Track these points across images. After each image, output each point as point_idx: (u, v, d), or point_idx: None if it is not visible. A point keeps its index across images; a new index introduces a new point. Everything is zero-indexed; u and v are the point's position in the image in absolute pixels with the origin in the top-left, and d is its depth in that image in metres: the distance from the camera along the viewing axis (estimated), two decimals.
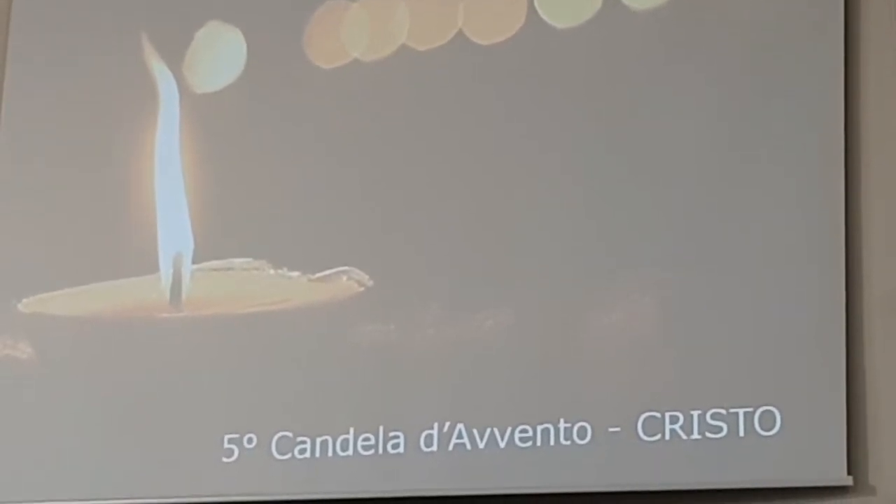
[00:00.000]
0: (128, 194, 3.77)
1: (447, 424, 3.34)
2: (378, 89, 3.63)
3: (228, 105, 3.75)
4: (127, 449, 3.55)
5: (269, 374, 3.52)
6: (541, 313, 3.36)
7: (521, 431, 3.28)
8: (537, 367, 3.33)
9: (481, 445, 3.31)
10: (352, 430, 3.41)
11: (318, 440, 3.42)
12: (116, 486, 3.54)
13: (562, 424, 3.26)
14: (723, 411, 3.16)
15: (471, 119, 3.54)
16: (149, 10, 3.88)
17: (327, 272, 3.56)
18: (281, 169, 3.66)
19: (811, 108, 3.26)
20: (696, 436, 3.17)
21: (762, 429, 3.12)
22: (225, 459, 3.48)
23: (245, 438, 3.48)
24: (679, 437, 3.17)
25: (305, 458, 3.42)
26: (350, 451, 3.39)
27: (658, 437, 3.19)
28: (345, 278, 3.54)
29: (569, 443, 3.24)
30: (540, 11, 3.54)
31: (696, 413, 3.18)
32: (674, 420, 3.19)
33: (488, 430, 3.31)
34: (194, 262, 3.67)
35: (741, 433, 3.13)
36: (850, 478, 3.06)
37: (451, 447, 3.32)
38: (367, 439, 3.39)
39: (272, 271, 3.61)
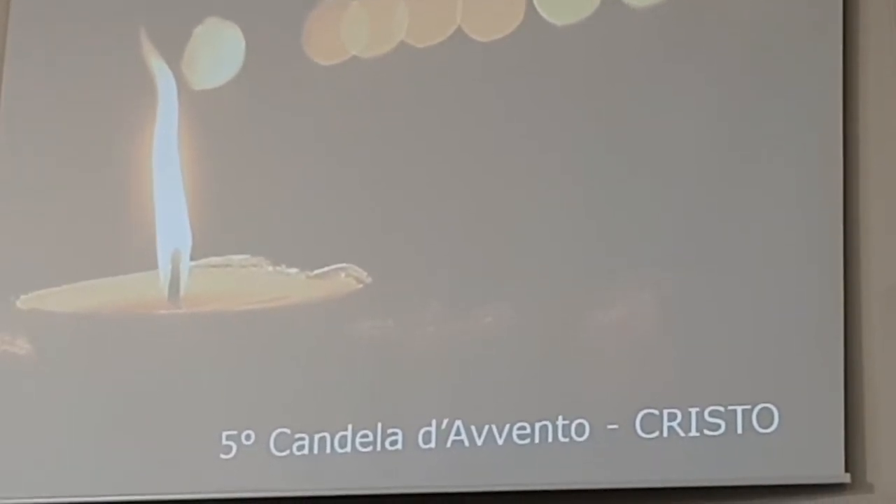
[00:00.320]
0: (126, 191, 3.78)
1: (445, 421, 3.34)
2: (377, 86, 3.63)
3: (227, 102, 3.76)
4: (125, 445, 3.56)
5: (268, 371, 3.52)
6: (540, 311, 3.36)
7: (520, 428, 3.28)
8: (536, 365, 3.33)
9: (479, 442, 3.31)
10: (350, 427, 3.41)
11: (317, 437, 3.42)
12: (115, 483, 3.54)
13: (560, 421, 3.26)
14: (721, 409, 3.16)
15: (470, 116, 3.54)
16: (147, 6, 3.88)
17: (326, 269, 3.56)
18: (279, 166, 3.67)
19: (810, 107, 3.26)
20: (694, 433, 3.16)
21: (760, 426, 3.12)
22: (223, 456, 3.48)
23: (243, 435, 3.48)
24: (677, 434, 3.17)
25: (304, 455, 3.42)
26: (348, 448, 3.40)
27: (656, 434, 3.19)
28: (343, 275, 3.54)
29: (567, 440, 3.24)
30: (539, 9, 3.54)
31: (694, 410, 3.17)
32: (672, 417, 3.19)
33: (486, 427, 3.31)
34: (193, 258, 3.68)
35: (739, 430, 3.13)
36: (848, 475, 3.05)
37: (449, 444, 3.32)
38: (365, 436, 3.39)
39: (270, 268, 3.61)
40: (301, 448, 3.43)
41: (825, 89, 3.25)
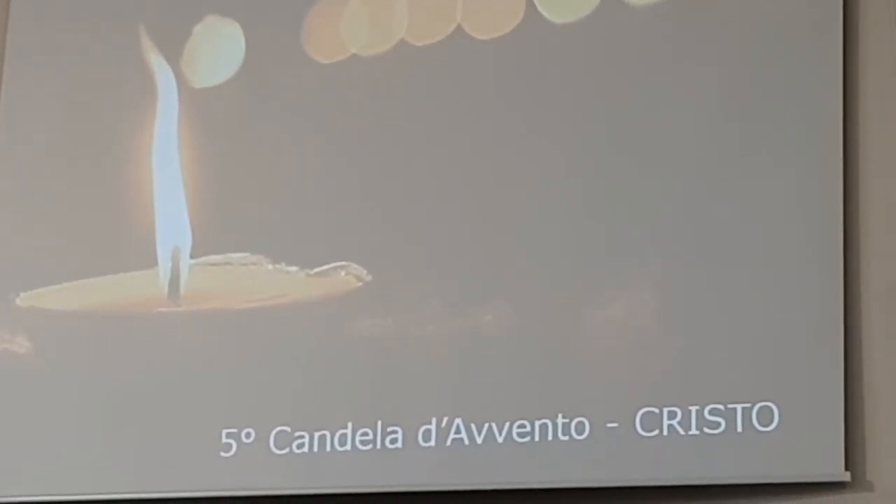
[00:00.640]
0: (126, 189, 3.78)
1: (445, 419, 3.34)
2: (377, 84, 3.63)
3: (227, 100, 3.76)
4: (125, 443, 3.56)
5: (268, 369, 3.52)
6: (539, 309, 3.35)
7: (520, 426, 3.28)
8: (536, 363, 3.32)
9: (479, 440, 3.30)
10: (350, 425, 3.41)
11: (317, 435, 3.42)
12: (114, 481, 3.54)
13: (560, 419, 3.26)
14: (721, 407, 3.15)
15: (469, 114, 3.54)
16: (147, 5, 3.89)
17: (325, 267, 3.56)
18: (279, 164, 3.67)
19: (810, 107, 3.25)
20: (693, 431, 3.16)
21: (760, 424, 3.11)
22: (223, 454, 3.48)
23: (243, 433, 3.48)
24: (677, 432, 3.17)
25: (303, 453, 3.42)
26: (348, 446, 3.39)
27: (656, 432, 3.18)
28: (343, 273, 3.54)
29: (567, 438, 3.24)
30: (539, 7, 3.54)
31: (693, 408, 3.17)
32: (672, 415, 3.18)
33: (486, 425, 3.30)
34: (192, 256, 3.68)
35: (739, 429, 3.12)
36: (848, 473, 3.04)
37: (449, 442, 3.32)
38: (365, 434, 3.39)
39: (270, 266, 3.61)
40: (301, 446, 3.43)
41: (825, 89, 3.25)
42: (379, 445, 3.37)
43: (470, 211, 3.47)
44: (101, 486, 3.54)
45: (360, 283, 3.52)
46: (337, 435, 3.41)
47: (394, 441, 3.37)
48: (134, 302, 3.69)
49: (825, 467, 3.06)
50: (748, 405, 3.13)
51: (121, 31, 3.87)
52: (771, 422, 3.10)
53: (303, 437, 3.43)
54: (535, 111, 3.48)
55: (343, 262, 3.54)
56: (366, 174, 3.59)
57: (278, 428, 3.45)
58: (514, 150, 3.48)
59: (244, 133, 3.71)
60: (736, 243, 3.24)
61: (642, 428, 3.19)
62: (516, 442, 3.27)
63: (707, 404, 3.16)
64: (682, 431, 3.17)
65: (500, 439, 3.29)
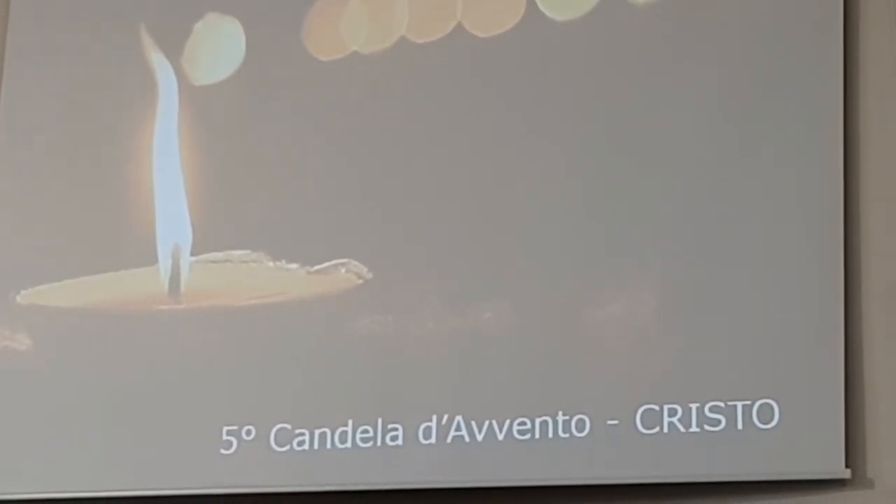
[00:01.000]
0: (126, 186, 3.77)
1: (445, 417, 3.34)
2: (377, 82, 3.63)
3: (227, 97, 3.76)
4: (125, 440, 3.55)
5: (268, 367, 3.52)
6: (540, 306, 3.36)
7: (520, 424, 3.28)
8: (536, 360, 3.33)
9: (480, 438, 3.31)
10: (350, 423, 3.41)
11: (317, 432, 3.42)
12: (115, 478, 3.53)
13: (560, 417, 3.26)
14: (721, 404, 3.16)
15: (470, 112, 3.54)
16: (147, 2, 3.88)
17: (326, 264, 3.56)
18: (280, 161, 3.67)
19: (811, 106, 3.27)
20: (694, 429, 3.17)
21: (760, 422, 3.12)
22: (223, 451, 3.48)
23: (244, 430, 3.48)
24: (677, 429, 3.18)
25: (304, 450, 3.42)
26: (349, 444, 3.40)
27: (656, 429, 3.19)
28: (343, 271, 3.54)
29: (567, 435, 3.25)
30: (539, 4, 3.54)
31: (694, 406, 3.18)
32: (672, 413, 3.19)
33: (487, 423, 3.31)
34: (193, 253, 3.68)
35: (739, 426, 3.13)
36: (848, 471, 3.06)
37: (449, 439, 3.33)
38: (365, 431, 3.39)
39: (271, 263, 3.61)
40: (301, 443, 3.43)
41: (825, 89, 3.26)
42: (379, 443, 3.37)
43: (470, 208, 3.48)
44: (101, 483, 3.54)
45: (361, 281, 3.52)
46: (337, 432, 3.41)
47: (394, 438, 3.37)
48: (134, 299, 3.68)
49: (826, 465, 3.07)
50: (749, 402, 3.14)
51: (121, 30, 3.86)
52: (771, 419, 3.11)
53: (303, 434, 3.43)
54: (535, 109, 3.49)
55: (343, 260, 3.54)
56: (366, 171, 3.59)
57: (279, 425, 3.45)
58: (514, 149, 3.48)
59: (245, 130, 3.71)
60: (736, 243, 3.25)
61: (643, 425, 3.20)
62: (517, 439, 3.28)
63: (707, 402, 3.17)
64: (682, 429, 3.18)
65: (500, 437, 3.29)
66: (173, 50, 3.82)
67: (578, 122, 3.45)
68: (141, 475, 3.52)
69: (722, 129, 3.32)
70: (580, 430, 3.24)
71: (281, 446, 3.45)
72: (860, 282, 3.17)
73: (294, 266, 3.59)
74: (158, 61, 3.82)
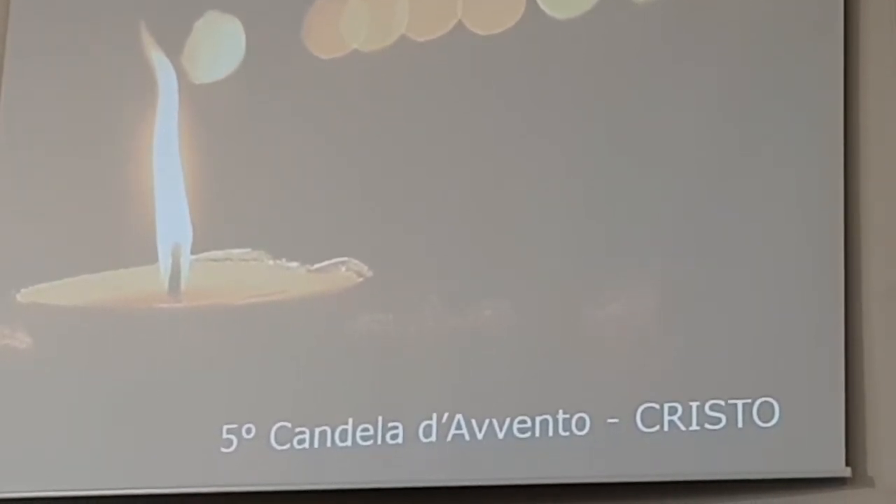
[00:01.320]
0: (126, 185, 3.77)
1: (446, 415, 3.34)
2: (377, 80, 3.63)
3: (227, 95, 3.75)
4: (125, 439, 3.55)
5: (268, 365, 3.52)
6: (540, 304, 3.36)
7: (520, 422, 3.29)
8: (536, 358, 3.33)
9: (480, 436, 3.31)
10: (351, 421, 3.41)
11: (317, 431, 3.42)
12: (115, 476, 3.53)
13: (560, 415, 3.27)
14: (721, 402, 3.17)
15: (470, 110, 3.54)
16: (147, 1, 3.87)
17: (326, 263, 3.56)
18: (280, 159, 3.66)
19: (811, 106, 3.27)
20: (694, 427, 3.17)
21: (761, 420, 3.13)
22: (224, 450, 3.48)
23: (244, 429, 3.48)
24: (678, 428, 3.18)
25: (304, 449, 3.42)
26: (349, 442, 3.40)
27: (657, 428, 3.19)
28: (344, 269, 3.54)
29: (567, 434, 3.25)
30: (539, 2, 3.54)
31: (694, 404, 3.18)
32: (672, 411, 3.19)
33: (487, 421, 3.31)
34: (193, 252, 3.67)
35: (740, 424, 3.13)
36: (849, 469, 3.06)
37: (449, 438, 3.33)
38: (365, 430, 3.39)
39: (271, 262, 3.61)
40: (302, 442, 3.43)
41: (826, 89, 3.27)
42: (380, 441, 3.37)
43: (471, 207, 3.48)
44: (101, 481, 3.53)
45: (361, 279, 3.52)
46: (338, 431, 3.41)
47: (394, 437, 3.37)
48: (135, 298, 3.68)
49: (826, 463, 3.08)
50: (749, 401, 3.14)
51: (121, 28, 3.85)
52: (772, 417, 3.12)
53: (303, 432, 3.43)
54: (535, 107, 3.49)
55: (344, 258, 3.55)
56: (366, 170, 3.59)
57: (279, 424, 3.45)
58: (514, 146, 3.48)
59: (245, 129, 3.70)
60: (736, 242, 3.25)
61: (643, 424, 3.20)
62: (517, 438, 3.28)
63: (708, 400, 3.17)
64: (682, 427, 3.18)
65: (500, 435, 3.29)
66: (173, 48, 3.81)
67: (579, 121, 3.45)
68: (141, 473, 3.51)
69: (722, 129, 3.32)
70: (580, 428, 3.25)
71: (281, 445, 3.45)
72: (860, 281, 3.18)
73: (294, 264, 3.59)
74: (158, 59, 3.81)
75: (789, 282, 3.19)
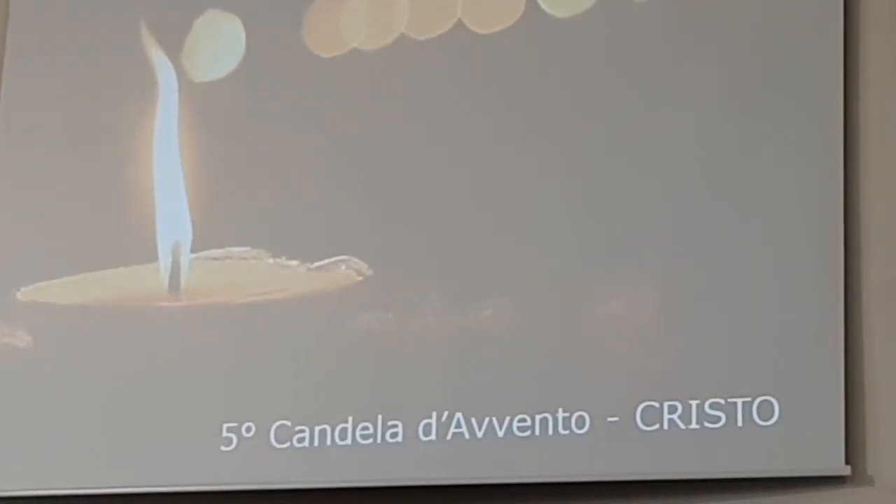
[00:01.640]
0: (126, 183, 3.76)
1: (446, 414, 3.34)
2: (377, 79, 3.63)
3: (227, 94, 3.75)
4: (125, 437, 3.55)
5: (268, 363, 3.52)
6: (540, 303, 3.37)
7: (520, 421, 3.29)
8: (536, 357, 3.34)
9: (480, 435, 3.31)
10: (350, 419, 3.41)
11: (317, 429, 3.42)
12: (115, 475, 3.53)
13: (560, 414, 3.27)
14: (721, 401, 3.17)
15: (470, 109, 3.55)
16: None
17: (326, 261, 3.56)
18: (280, 158, 3.66)
19: (811, 105, 3.27)
20: (694, 425, 3.18)
21: (760, 419, 3.13)
22: (223, 448, 3.48)
23: (244, 427, 3.48)
24: (677, 426, 3.18)
25: (304, 447, 3.42)
26: (349, 440, 3.40)
27: (656, 426, 3.20)
28: (344, 267, 3.55)
29: (567, 432, 3.25)
30: (540, 1, 3.54)
31: (694, 403, 3.19)
32: (672, 410, 3.20)
33: (487, 420, 3.31)
34: (193, 250, 3.67)
35: (739, 423, 3.14)
36: (849, 468, 3.07)
37: (449, 436, 3.33)
38: (365, 428, 3.40)
39: (271, 260, 3.61)
40: (301, 440, 3.43)
41: (825, 89, 3.27)
42: (379, 440, 3.38)
43: (471, 206, 3.48)
44: (101, 480, 3.53)
45: (361, 278, 3.53)
46: (337, 429, 3.41)
47: (394, 435, 3.37)
48: (134, 296, 3.68)
49: (826, 461, 3.08)
50: (749, 399, 3.15)
51: (121, 28, 3.85)
52: (771, 416, 3.13)
53: (303, 431, 3.43)
54: (535, 106, 3.49)
55: (344, 257, 3.55)
56: (366, 168, 3.59)
57: (279, 422, 3.45)
58: (514, 145, 3.49)
59: (245, 127, 3.70)
60: (736, 242, 3.25)
61: (643, 422, 3.21)
62: (517, 436, 3.28)
63: (707, 398, 3.18)
64: (682, 426, 3.18)
65: (500, 433, 3.30)
66: (173, 46, 3.80)
67: (579, 120, 3.45)
68: (141, 472, 3.51)
69: (722, 129, 3.33)
70: (580, 426, 3.25)
71: (281, 443, 3.45)
72: (860, 280, 3.19)
73: (294, 263, 3.59)
74: (158, 58, 3.81)
75: (789, 281, 3.20)
